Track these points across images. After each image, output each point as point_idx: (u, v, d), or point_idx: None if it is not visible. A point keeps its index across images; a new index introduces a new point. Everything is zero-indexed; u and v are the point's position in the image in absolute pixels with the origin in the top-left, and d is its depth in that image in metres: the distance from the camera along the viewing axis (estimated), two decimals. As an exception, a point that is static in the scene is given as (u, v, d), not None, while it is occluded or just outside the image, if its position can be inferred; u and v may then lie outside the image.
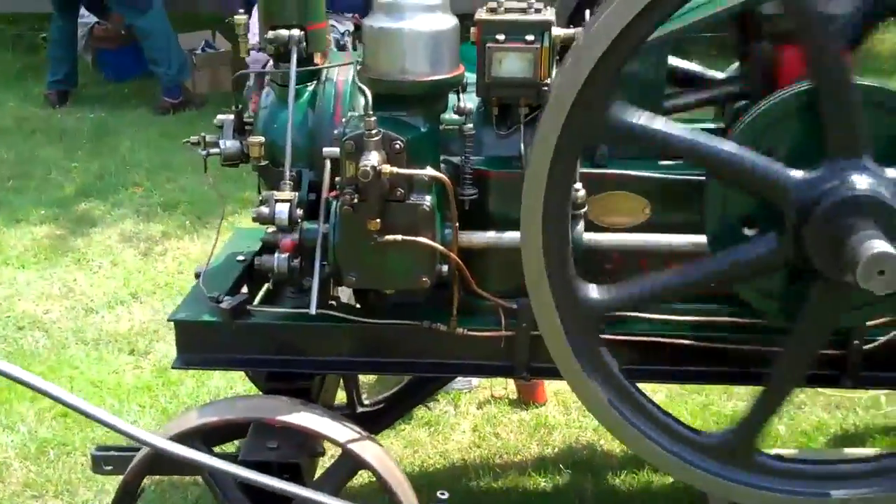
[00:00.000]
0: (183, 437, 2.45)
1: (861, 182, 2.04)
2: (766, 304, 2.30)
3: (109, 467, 2.79)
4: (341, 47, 3.59)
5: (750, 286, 2.29)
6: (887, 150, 2.11)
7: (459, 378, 3.70)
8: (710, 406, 3.78)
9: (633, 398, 2.29)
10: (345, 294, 3.01)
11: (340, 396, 3.33)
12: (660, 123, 2.11)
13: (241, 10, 2.75)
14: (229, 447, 2.86)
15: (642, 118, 2.09)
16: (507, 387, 3.86)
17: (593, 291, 2.23)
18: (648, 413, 2.30)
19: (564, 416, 3.73)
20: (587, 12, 2.46)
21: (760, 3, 2.44)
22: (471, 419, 3.73)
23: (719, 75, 2.80)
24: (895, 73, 7.30)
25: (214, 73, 8.23)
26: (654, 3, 1.96)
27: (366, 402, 3.41)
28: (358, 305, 2.84)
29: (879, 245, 1.96)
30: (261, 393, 3.44)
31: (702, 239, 2.33)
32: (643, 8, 1.96)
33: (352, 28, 6.83)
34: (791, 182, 2.08)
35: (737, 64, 2.75)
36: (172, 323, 2.70)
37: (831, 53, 2.02)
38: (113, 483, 3.31)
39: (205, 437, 2.52)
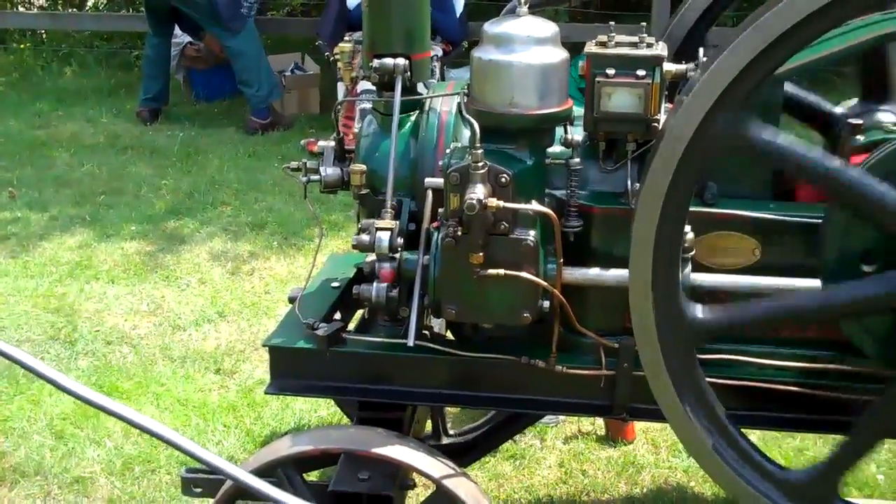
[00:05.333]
0: (276, 465, 2.45)
1: None
2: (869, 345, 2.23)
3: (199, 490, 2.76)
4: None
5: (857, 323, 2.22)
6: None
7: (546, 412, 3.65)
8: (806, 451, 3.66)
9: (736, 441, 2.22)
10: (436, 323, 2.99)
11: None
12: (785, 139, 2.01)
13: (348, 37, 2.75)
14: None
15: (769, 132, 2.00)
16: (594, 422, 3.79)
17: (698, 311, 2.17)
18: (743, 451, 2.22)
19: (654, 456, 3.64)
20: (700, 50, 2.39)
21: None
22: (557, 454, 3.66)
23: (837, 109, 2.72)
24: None
25: (303, 95, 8.32)
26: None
27: (451, 431, 3.38)
28: (451, 337, 2.82)
29: None
30: (348, 420, 3.44)
31: (815, 283, 2.26)
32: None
33: (440, 53, 6.85)
34: None
35: (854, 101, 2.67)
36: (265, 347, 2.69)
37: None
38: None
39: (297, 465, 2.51)
